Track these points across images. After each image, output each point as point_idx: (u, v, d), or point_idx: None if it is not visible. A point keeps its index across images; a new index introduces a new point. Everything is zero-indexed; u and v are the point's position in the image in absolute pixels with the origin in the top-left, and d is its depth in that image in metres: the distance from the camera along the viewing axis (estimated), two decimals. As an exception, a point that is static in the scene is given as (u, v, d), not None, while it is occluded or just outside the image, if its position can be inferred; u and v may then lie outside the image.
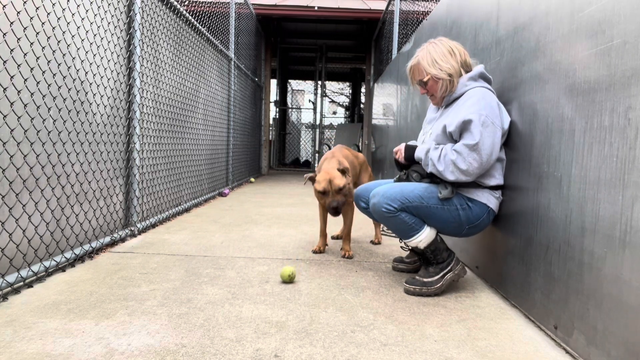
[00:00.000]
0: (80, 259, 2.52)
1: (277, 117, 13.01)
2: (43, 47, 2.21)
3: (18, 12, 2.02)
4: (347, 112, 17.33)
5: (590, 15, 1.54)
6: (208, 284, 2.21)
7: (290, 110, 15.21)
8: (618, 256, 1.35)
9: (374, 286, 2.29)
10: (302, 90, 18.25)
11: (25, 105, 2.09)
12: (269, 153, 10.78)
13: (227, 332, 1.67)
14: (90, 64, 2.66)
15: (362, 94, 14.52)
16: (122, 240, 3.05)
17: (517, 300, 2.01)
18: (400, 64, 5.58)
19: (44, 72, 2.22)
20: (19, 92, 2.04)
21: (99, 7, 2.74)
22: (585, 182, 1.52)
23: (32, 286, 2.08)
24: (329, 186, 2.63)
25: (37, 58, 2.16)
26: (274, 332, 1.68)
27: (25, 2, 2.06)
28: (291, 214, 4.56)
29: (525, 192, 1.95)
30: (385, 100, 6.77)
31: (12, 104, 1.98)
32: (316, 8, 8.71)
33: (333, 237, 3.41)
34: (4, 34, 1.93)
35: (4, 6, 1.94)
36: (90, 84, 2.67)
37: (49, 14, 2.25)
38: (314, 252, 2.94)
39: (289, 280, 2.27)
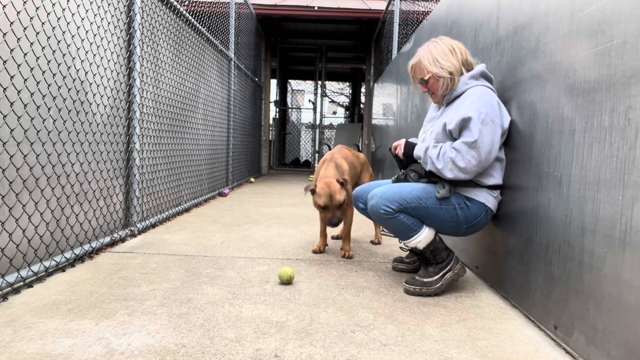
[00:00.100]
0: (80, 259, 2.53)
1: (277, 117, 13.01)
2: (43, 47, 2.21)
3: (18, 12, 2.02)
4: (347, 112, 17.33)
5: (590, 15, 1.54)
6: (208, 284, 2.21)
7: (290, 110, 15.21)
8: (618, 256, 1.35)
9: (374, 286, 2.29)
10: (302, 90, 18.25)
11: (25, 105, 2.09)
12: (269, 153, 10.78)
13: (227, 332, 1.67)
14: (90, 64, 2.66)
15: (362, 94, 14.52)
16: (122, 240, 3.05)
17: (517, 300, 2.01)
18: (400, 64, 5.58)
19: (44, 72, 2.22)
20: (19, 92, 2.04)
21: (98, 7, 2.74)
22: (585, 182, 1.52)
23: (32, 286, 2.08)
24: (330, 201, 2.65)
25: (37, 58, 2.16)
26: (274, 332, 1.68)
27: (25, 2, 2.06)
28: (291, 213, 4.56)
29: (525, 192, 1.95)
30: (385, 100, 6.77)
31: (12, 104, 1.98)
32: (316, 8, 8.71)
33: (333, 237, 3.41)
34: (4, 34, 1.93)
35: (4, 6, 1.94)
36: (90, 84, 2.67)
37: (48, 14, 2.25)
38: (314, 252, 2.94)
39: (287, 282, 2.27)
